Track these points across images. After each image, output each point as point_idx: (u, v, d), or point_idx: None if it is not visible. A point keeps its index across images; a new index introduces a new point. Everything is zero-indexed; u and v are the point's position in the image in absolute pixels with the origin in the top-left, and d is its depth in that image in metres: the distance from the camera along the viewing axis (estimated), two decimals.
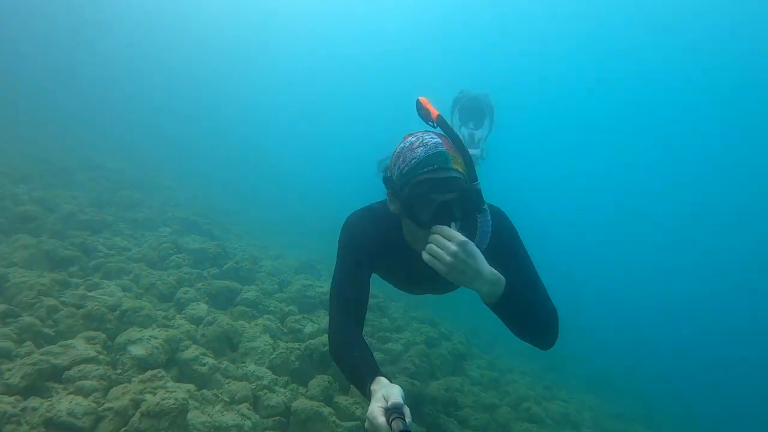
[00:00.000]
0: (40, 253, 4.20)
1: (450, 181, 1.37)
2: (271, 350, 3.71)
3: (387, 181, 1.53)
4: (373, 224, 1.64)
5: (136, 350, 3.07)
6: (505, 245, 1.60)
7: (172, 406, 2.42)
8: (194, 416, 2.64)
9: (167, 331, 3.40)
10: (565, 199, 34.07)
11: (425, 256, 1.34)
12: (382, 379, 1.20)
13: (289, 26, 38.38)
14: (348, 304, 1.54)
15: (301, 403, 3.10)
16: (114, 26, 31.18)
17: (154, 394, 2.59)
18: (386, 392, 1.11)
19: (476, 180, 1.43)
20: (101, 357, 2.93)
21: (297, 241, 10.50)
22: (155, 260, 4.98)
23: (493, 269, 1.33)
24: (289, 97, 41.30)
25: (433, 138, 1.46)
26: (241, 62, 39.74)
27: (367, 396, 1.19)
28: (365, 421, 1.09)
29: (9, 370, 2.56)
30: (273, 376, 3.41)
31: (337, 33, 39.64)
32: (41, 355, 2.73)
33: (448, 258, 1.26)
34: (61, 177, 7.82)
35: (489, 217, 1.49)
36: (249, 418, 2.85)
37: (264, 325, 4.05)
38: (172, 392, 2.57)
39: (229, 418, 2.79)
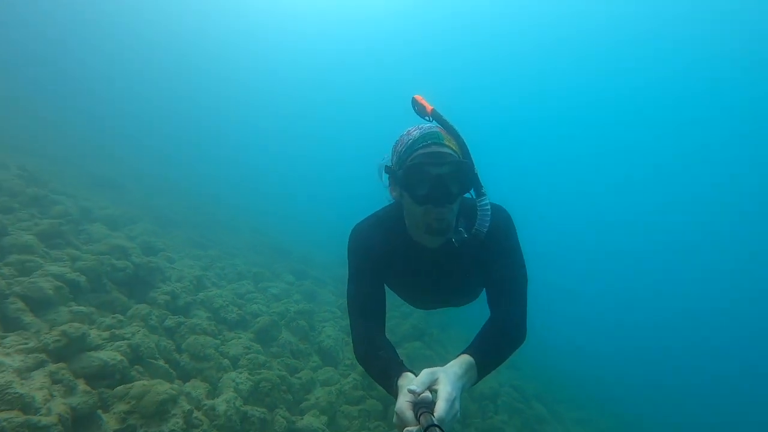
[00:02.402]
0: (191, 241, 6.83)
1: (443, 156, 1.38)
2: (335, 301, 6.34)
3: (387, 168, 1.54)
4: (379, 229, 1.63)
5: (273, 290, 5.70)
6: (499, 243, 1.54)
7: (309, 309, 5.07)
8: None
9: (282, 284, 6.04)
10: (557, 204, 33.58)
11: None
12: (409, 375, 1.16)
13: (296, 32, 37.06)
14: (365, 309, 1.51)
15: None
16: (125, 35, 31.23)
17: (295, 306, 5.20)
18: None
19: (473, 166, 1.46)
20: (257, 292, 5.55)
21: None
22: (249, 249, 7.60)
23: (457, 375, 1.12)
24: (287, 100, 40.01)
25: (430, 125, 1.52)
26: (245, 72, 39.09)
27: (395, 392, 1.15)
28: (393, 416, 1.05)
29: (220, 292, 5.16)
30: (339, 312, 6.02)
31: (341, 38, 37.82)
32: (232, 288, 5.34)
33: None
34: (148, 187, 10.43)
35: (488, 203, 1.50)
36: (335, 327, 5.47)
37: (330, 290, 6.68)
38: (303, 304, 5.21)
39: (327, 325, 5.41)
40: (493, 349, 1.31)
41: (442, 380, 1.05)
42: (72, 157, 9.42)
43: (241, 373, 3.62)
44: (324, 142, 38.29)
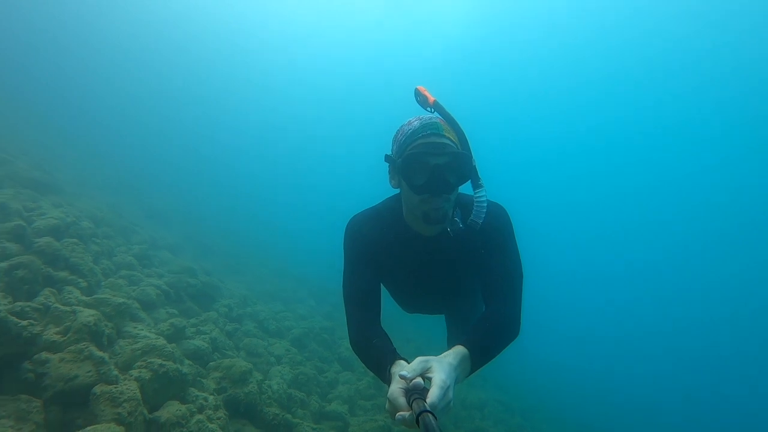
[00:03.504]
0: (228, 267, 8.03)
1: (442, 146, 1.39)
2: None
3: (387, 157, 1.54)
4: (376, 221, 1.64)
5: (300, 310, 6.83)
6: (495, 238, 1.55)
7: (330, 326, 6.18)
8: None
9: (306, 306, 7.17)
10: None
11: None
12: (402, 362, 1.16)
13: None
14: (360, 299, 1.53)
15: None
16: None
17: (319, 323, 6.31)
18: None
19: (472, 158, 1.46)
20: (287, 311, 6.67)
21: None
22: (274, 276, 8.77)
23: (451, 365, 1.10)
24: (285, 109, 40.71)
25: (430, 116, 1.53)
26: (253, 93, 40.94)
27: (388, 380, 1.15)
28: (386, 402, 1.05)
29: (262, 308, 6.29)
30: None
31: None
32: (269, 307, 6.47)
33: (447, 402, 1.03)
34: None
35: (485, 196, 1.51)
36: None
37: None
38: (325, 322, 6.32)
39: (345, 340, 6.49)
40: (487, 342, 1.30)
41: (436, 368, 1.04)
42: (121, 188, 10.81)
43: (284, 367, 4.72)
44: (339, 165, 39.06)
